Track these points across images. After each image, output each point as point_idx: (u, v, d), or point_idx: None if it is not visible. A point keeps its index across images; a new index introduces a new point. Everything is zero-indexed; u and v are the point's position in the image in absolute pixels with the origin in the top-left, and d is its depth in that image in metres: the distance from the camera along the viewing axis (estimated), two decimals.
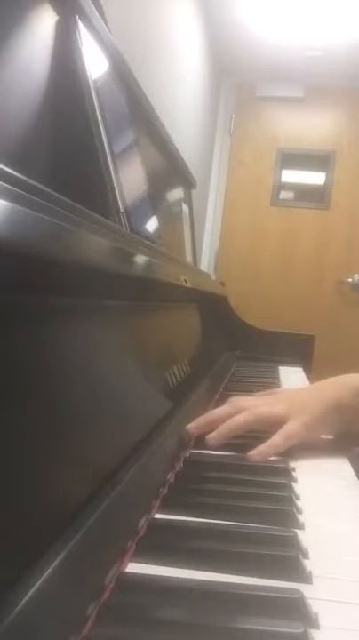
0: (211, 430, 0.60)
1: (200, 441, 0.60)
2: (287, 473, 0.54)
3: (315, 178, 3.16)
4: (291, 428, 0.59)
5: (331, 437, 0.68)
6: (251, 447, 0.58)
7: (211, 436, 0.59)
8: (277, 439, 0.58)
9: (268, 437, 0.58)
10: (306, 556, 0.36)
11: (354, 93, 3.05)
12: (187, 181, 1.44)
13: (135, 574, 0.32)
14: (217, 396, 0.90)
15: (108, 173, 0.63)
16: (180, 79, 2.15)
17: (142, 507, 0.40)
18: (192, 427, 0.61)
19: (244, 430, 0.60)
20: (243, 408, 0.62)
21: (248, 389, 1.00)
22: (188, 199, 1.47)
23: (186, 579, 0.32)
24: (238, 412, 0.61)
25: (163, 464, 0.49)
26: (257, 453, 0.56)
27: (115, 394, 0.44)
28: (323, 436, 0.66)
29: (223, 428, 0.59)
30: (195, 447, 0.60)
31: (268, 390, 0.78)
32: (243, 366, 1.34)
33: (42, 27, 0.58)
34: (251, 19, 2.54)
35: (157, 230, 0.96)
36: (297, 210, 3.14)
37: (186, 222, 1.40)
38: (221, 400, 0.87)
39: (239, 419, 0.60)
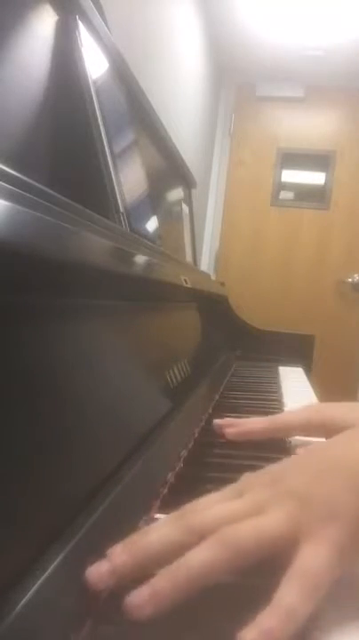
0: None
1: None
2: None
3: (315, 178, 3.17)
4: (310, 565, 0.29)
5: None
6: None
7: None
8: (291, 598, 0.27)
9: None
10: None
11: (354, 93, 3.05)
12: (187, 181, 1.45)
13: None
14: (217, 396, 0.90)
15: (108, 173, 0.63)
16: (180, 79, 2.15)
17: (142, 507, 0.40)
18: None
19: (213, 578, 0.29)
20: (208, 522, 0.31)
21: (248, 389, 1.00)
22: (188, 199, 1.48)
23: None
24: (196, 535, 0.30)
25: (163, 464, 0.49)
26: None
27: (116, 394, 0.44)
28: None
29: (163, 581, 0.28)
30: (195, 447, 0.60)
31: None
32: (243, 366, 1.34)
33: (42, 27, 0.58)
34: (251, 19, 2.54)
35: (157, 230, 0.96)
36: (297, 210, 3.14)
37: (186, 222, 1.40)
38: (222, 400, 0.87)
39: (203, 560, 0.28)
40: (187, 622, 0.27)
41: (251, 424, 0.54)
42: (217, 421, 0.57)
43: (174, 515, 0.33)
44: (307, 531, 0.30)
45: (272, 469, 0.36)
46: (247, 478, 0.36)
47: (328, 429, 0.48)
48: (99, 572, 0.27)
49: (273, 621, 0.26)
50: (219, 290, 1.53)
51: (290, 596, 0.27)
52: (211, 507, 0.33)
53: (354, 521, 0.30)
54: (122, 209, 0.65)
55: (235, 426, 0.54)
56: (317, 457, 0.37)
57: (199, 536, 0.29)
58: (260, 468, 0.37)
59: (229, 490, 0.35)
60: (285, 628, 0.26)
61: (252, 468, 0.50)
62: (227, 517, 0.31)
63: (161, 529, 0.31)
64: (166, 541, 0.30)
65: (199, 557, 0.28)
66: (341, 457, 0.36)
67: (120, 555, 0.29)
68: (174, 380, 0.65)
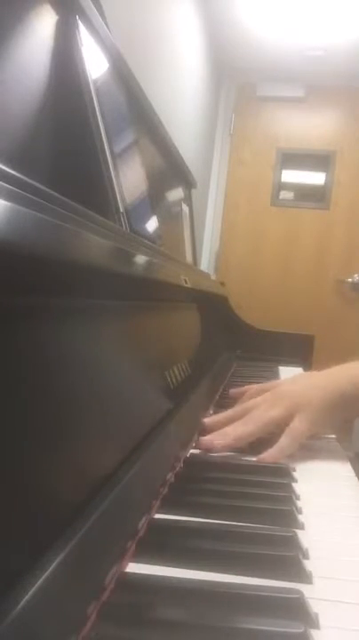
0: (219, 427, 0.61)
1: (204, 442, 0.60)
2: (287, 473, 0.54)
3: (315, 178, 3.17)
4: (296, 427, 0.59)
5: (332, 436, 0.68)
6: (253, 448, 0.58)
7: (218, 442, 0.59)
8: (284, 442, 0.58)
9: (273, 438, 0.59)
10: (306, 556, 0.36)
11: (354, 93, 3.05)
12: (187, 181, 1.44)
13: (135, 574, 0.32)
14: (217, 397, 0.90)
15: (108, 173, 0.63)
16: (180, 79, 2.15)
17: (142, 507, 0.40)
18: (209, 421, 0.64)
19: (251, 440, 0.60)
20: (248, 412, 0.62)
21: None
22: (188, 199, 1.47)
23: (186, 579, 0.32)
24: (243, 416, 0.61)
25: (163, 464, 0.49)
26: (267, 456, 0.56)
27: (116, 394, 0.44)
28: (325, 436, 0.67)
29: (229, 438, 0.59)
30: (196, 447, 0.60)
31: (269, 383, 0.76)
32: (243, 366, 1.34)
33: (42, 27, 0.58)
34: (251, 19, 2.54)
35: (157, 230, 0.96)
36: (297, 210, 3.14)
37: (186, 222, 1.40)
38: (222, 399, 0.87)
39: (245, 430, 0.60)
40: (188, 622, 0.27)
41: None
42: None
43: (241, 401, 0.69)
44: (294, 413, 0.60)
45: (277, 387, 0.67)
46: (282, 392, 0.65)
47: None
48: (209, 420, 0.64)
49: (274, 451, 0.57)
50: (219, 290, 1.53)
51: (284, 441, 0.58)
52: (254, 403, 0.63)
53: (317, 408, 0.61)
54: (122, 209, 0.65)
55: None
56: (304, 379, 0.70)
57: (244, 415, 0.62)
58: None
59: (258, 387, 0.72)
60: (279, 455, 0.57)
61: (252, 468, 0.52)
62: (258, 412, 0.61)
63: (233, 410, 0.65)
64: (233, 414, 0.64)
65: (246, 430, 0.60)
66: (310, 379, 0.68)
67: (217, 416, 0.65)
68: (174, 380, 0.65)
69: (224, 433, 0.60)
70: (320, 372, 0.68)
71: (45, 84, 0.57)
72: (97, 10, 0.71)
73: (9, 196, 0.26)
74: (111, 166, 0.64)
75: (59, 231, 0.32)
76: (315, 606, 0.30)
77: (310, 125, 3.14)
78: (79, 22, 0.64)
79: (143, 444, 0.44)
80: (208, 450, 0.59)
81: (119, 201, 0.65)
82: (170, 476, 0.48)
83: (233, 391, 0.79)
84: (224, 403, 0.84)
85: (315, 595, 0.31)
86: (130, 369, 0.51)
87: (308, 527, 0.41)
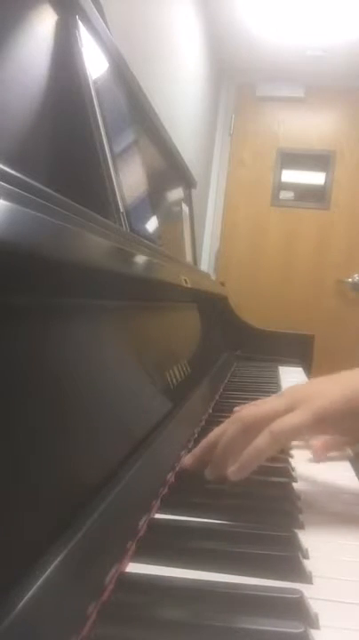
0: (211, 455, 0.49)
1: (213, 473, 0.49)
2: (287, 473, 0.54)
3: (315, 178, 3.16)
4: (289, 417, 0.46)
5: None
6: None
7: (233, 470, 0.46)
8: (259, 440, 0.45)
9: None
10: (306, 556, 0.36)
11: (354, 93, 3.05)
12: (187, 181, 1.44)
13: (135, 574, 0.32)
14: (217, 396, 0.90)
15: (108, 173, 0.63)
16: (180, 79, 2.15)
17: (142, 507, 0.40)
18: (187, 460, 0.51)
19: (271, 454, 0.47)
20: (242, 418, 0.48)
21: (248, 389, 1.00)
22: (188, 199, 1.47)
23: (186, 579, 0.32)
24: (237, 425, 0.48)
25: (163, 464, 0.49)
26: (234, 471, 0.45)
27: (116, 394, 0.44)
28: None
29: (246, 462, 0.46)
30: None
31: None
32: (243, 366, 1.34)
33: (42, 27, 0.58)
34: (251, 19, 2.54)
35: (157, 230, 0.96)
36: (297, 210, 3.14)
37: (186, 222, 1.40)
38: (222, 400, 0.87)
39: (261, 444, 0.45)
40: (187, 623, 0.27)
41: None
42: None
43: (232, 418, 0.50)
44: (297, 405, 0.47)
45: (296, 387, 0.52)
46: (286, 391, 0.52)
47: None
48: (188, 459, 0.50)
49: (243, 458, 0.45)
50: (219, 290, 1.53)
51: (259, 440, 0.45)
52: (245, 407, 0.53)
53: (329, 398, 0.47)
54: (122, 209, 0.65)
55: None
56: (322, 382, 0.53)
57: (236, 422, 0.48)
58: (260, 467, 0.47)
59: (272, 397, 0.53)
60: (248, 463, 0.45)
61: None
62: (270, 414, 0.47)
63: (219, 427, 0.50)
64: (221, 431, 0.49)
65: (260, 442, 0.45)
66: (328, 376, 0.53)
67: (196, 449, 0.50)
68: (174, 379, 0.65)
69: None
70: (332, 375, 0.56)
71: (45, 84, 0.57)
72: (97, 10, 0.71)
73: (9, 196, 0.26)
74: (111, 166, 0.64)
75: (60, 231, 0.32)
76: (315, 606, 0.30)
77: (310, 125, 3.14)
78: (79, 22, 0.64)
79: (143, 444, 0.44)
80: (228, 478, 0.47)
81: (119, 201, 0.65)
82: (170, 476, 0.48)
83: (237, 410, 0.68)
84: (224, 403, 0.84)
85: (315, 595, 0.31)
86: (130, 369, 0.51)
87: (308, 527, 0.41)
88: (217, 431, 0.50)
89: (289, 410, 0.47)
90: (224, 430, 0.49)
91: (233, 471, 0.46)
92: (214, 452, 0.48)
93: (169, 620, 0.28)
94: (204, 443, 0.50)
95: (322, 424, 0.47)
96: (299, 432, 0.47)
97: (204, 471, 0.49)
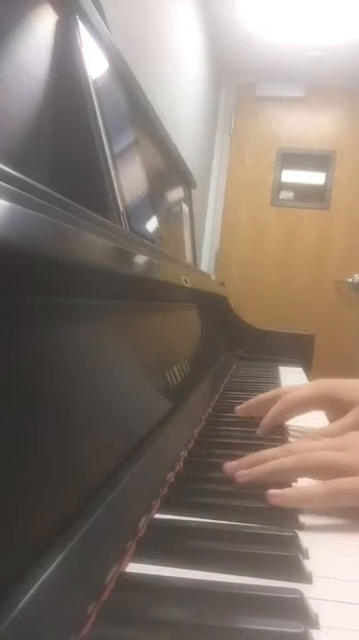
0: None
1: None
2: None
3: (315, 178, 3.17)
4: (342, 481, 0.42)
5: None
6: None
7: (242, 473, 0.46)
8: (316, 490, 0.43)
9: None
10: (306, 556, 0.36)
11: (354, 93, 3.06)
12: (187, 181, 1.44)
13: (135, 574, 0.32)
14: (217, 396, 0.90)
15: (108, 173, 0.63)
16: (180, 79, 2.15)
17: (142, 507, 0.40)
18: (231, 465, 0.48)
19: (289, 478, 0.46)
20: (296, 452, 0.47)
21: (248, 389, 1.00)
22: (188, 199, 1.47)
23: (186, 579, 0.32)
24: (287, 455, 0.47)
25: (163, 464, 0.49)
26: (277, 495, 0.42)
27: (116, 394, 0.44)
28: None
29: (259, 468, 0.46)
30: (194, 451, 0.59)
31: (278, 390, 0.66)
32: (243, 366, 1.34)
33: (42, 27, 0.58)
34: (251, 19, 2.54)
35: (157, 230, 0.96)
36: (297, 210, 3.14)
37: (186, 222, 1.40)
38: (222, 400, 0.87)
39: (285, 462, 0.45)
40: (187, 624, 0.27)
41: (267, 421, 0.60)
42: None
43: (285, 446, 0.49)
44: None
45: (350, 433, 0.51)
46: (350, 435, 0.50)
47: (329, 402, 0.58)
48: (233, 464, 0.47)
49: (291, 491, 0.42)
50: (219, 290, 1.53)
51: (316, 490, 0.42)
52: (306, 443, 0.50)
53: None
54: (122, 209, 0.65)
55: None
56: None
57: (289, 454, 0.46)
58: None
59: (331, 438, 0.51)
60: (296, 500, 0.42)
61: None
62: (316, 448, 0.47)
63: (272, 450, 0.48)
64: (272, 454, 0.47)
65: (285, 462, 0.45)
66: None
67: (245, 459, 0.48)
68: (174, 379, 0.65)
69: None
70: None
71: (45, 85, 0.57)
72: (97, 10, 0.71)
73: (9, 196, 0.26)
74: (111, 166, 0.64)
75: (60, 231, 0.32)
76: (315, 606, 0.30)
77: (310, 125, 3.14)
78: (79, 22, 0.64)
79: (143, 444, 0.44)
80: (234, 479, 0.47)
81: (119, 201, 0.65)
82: (170, 476, 0.48)
83: (239, 408, 0.71)
84: (224, 403, 0.84)
85: (315, 595, 0.31)
86: (130, 369, 0.51)
87: (308, 527, 0.41)
88: (269, 453, 0.48)
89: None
90: (275, 455, 0.47)
91: (243, 474, 0.46)
92: (256, 467, 0.46)
93: (169, 620, 0.28)
94: (253, 458, 0.48)
95: None
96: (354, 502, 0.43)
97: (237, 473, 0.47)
